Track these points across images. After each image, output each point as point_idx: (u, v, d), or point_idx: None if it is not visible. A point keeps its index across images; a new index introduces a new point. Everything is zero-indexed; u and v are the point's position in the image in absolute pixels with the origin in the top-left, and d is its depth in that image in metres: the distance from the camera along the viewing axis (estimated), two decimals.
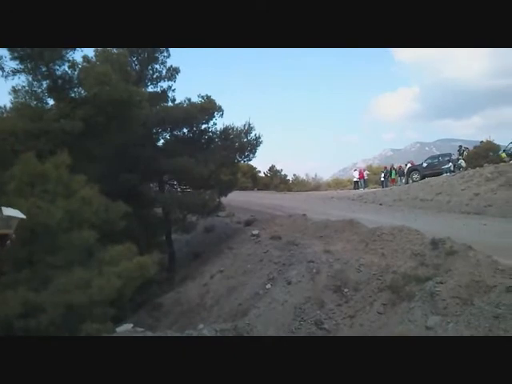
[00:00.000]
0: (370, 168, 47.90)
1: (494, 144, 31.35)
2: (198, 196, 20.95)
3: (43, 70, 16.53)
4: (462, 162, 29.47)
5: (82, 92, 16.72)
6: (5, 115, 17.41)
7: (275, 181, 45.14)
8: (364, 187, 36.28)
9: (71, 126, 14.82)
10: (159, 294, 17.81)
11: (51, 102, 17.51)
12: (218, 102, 21.29)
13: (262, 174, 46.90)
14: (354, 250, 14.13)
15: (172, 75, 22.77)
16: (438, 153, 43.68)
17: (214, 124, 21.79)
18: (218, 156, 20.83)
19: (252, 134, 22.01)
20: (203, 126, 21.85)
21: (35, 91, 17.03)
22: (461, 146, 33.35)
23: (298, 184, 45.38)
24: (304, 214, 20.53)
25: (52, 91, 17.00)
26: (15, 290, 10.21)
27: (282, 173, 47.05)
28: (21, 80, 16.99)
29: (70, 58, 16.50)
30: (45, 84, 17.01)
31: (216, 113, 21.26)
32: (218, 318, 14.10)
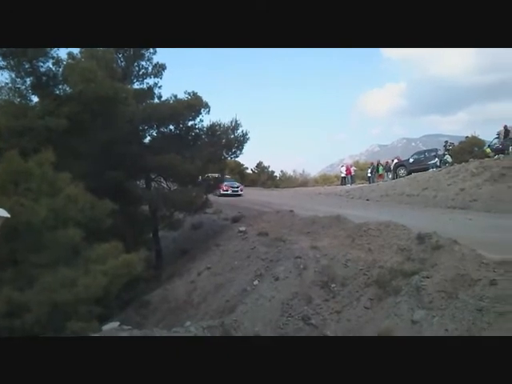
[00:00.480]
0: (357, 164, 48.11)
1: (479, 139, 31.66)
2: (185, 193, 20.87)
3: (26, 66, 16.34)
4: (448, 158, 29.69)
5: (67, 89, 16.55)
6: None
7: (263, 177, 45.15)
8: (351, 183, 36.41)
9: (56, 124, 14.66)
10: (146, 291, 17.73)
11: (35, 99, 17.32)
12: (205, 98, 21.21)
13: (249, 171, 46.88)
14: (341, 246, 14.17)
15: (158, 72, 22.64)
16: (425, 148, 43.95)
17: (201, 121, 21.70)
18: (204, 153, 20.75)
19: (239, 131, 21.96)
20: (190, 123, 21.74)
21: (19, 88, 16.82)
22: (447, 142, 33.62)
23: (286, 180, 45.44)
24: (291, 210, 20.55)
25: (36, 88, 16.81)
26: None
27: (270, 169, 47.09)
28: (4, 77, 16.80)
29: (55, 55, 16.35)
30: (28, 81, 16.82)
31: (203, 109, 21.16)
32: (205, 314, 14.08)
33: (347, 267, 12.83)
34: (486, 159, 25.53)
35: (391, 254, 12.74)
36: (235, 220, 21.56)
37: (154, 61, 22.45)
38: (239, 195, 32.57)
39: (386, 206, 22.92)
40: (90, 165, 16.53)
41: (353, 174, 37.66)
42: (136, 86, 22.33)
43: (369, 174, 36.29)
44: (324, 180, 47.42)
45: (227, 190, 31.72)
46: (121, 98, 16.82)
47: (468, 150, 29.80)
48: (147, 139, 22.42)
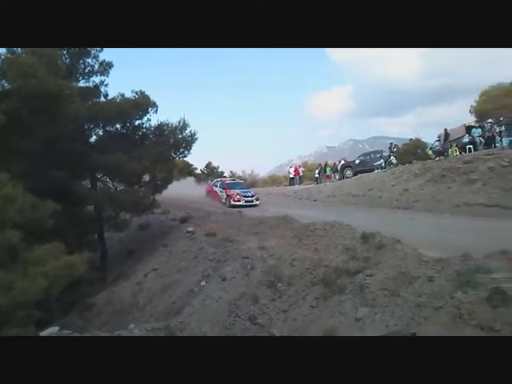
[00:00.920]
0: (305, 165, 48.65)
1: (422, 142, 32.68)
2: (132, 193, 20.48)
3: None
4: (393, 159, 30.51)
5: (6, 84, 15.86)
6: None
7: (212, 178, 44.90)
8: (299, 183, 36.80)
9: None
10: (91, 293, 17.25)
11: None
12: (153, 98, 20.90)
13: (198, 171, 46.56)
14: (288, 246, 14.30)
15: (105, 70, 22.02)
16: (371, 150, 45.04)
17: (148, 120, 21.36)
18: (152, 152, 20.44)
19: (187, 131, 21.78)
20: (137, 122, 21.35)
21: None
22: (392, 144, 34.51)
23: None
24: (239, 211, 20.56)
25: None
26: None
27: (219, 170, 46.94)
28: None
29: None
30: None
31: (150, 108, 20.85)
32: (150, 317, 13.87)
33: (294, 267, 12.95)
34: (428, 161, 26.44)
35: (337, 253, 12.96)
36: (183, 220, 21.36)
37: (101, 58, 21.88)
38: (254, 206, 24.81)
39: (332, 206, 23.34)
40: (32, 163, 15.91)
41: (301, 174, 38.08)
42: (82, 83, 21.65)
43: (316, 175, 36.81)
44: (273, 180, 47.73)
45: (239, 201, 24.84)
46: (65, 95, 16.25)
47: (412, 151, 30.71)
48: (93, 138, 21.81)
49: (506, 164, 20.34)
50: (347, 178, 32.01)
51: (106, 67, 22.00)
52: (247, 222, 18.28)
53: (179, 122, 21.65)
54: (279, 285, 12.47)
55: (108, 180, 22.23)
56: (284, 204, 24.75)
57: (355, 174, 31.61)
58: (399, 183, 24.21)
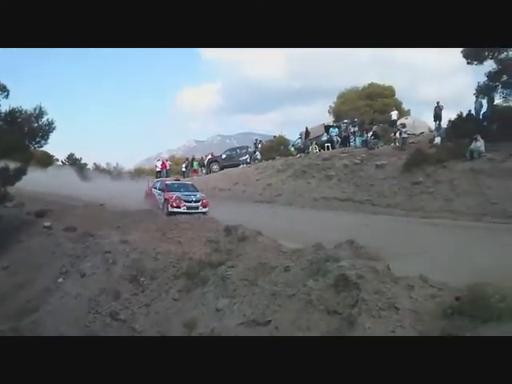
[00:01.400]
0: (173, 158, 48.30)
1: (285, 139, 34.13)
2: None
3: None
4: (258, 155, 31.46)
5: None
6: None
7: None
8: (165, 177, 36.41)
9: None
10: None
11: None
12: (3, 81, 19.17)
13: (60, 163, 43.85)
14: (152, 239, 14.13)
15: None
16: (239, 145, 45.97)
17: None
18: (3, 141, 18.77)
19: (44, 119, 20.29)
20: None
21: None
22: (257, 140, 35.60)
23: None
24: (102, 204, 19.82)
25: None
26: None
27: (82, 161, 44.65)
28: None
29: None
30: None
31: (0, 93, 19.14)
32: (0, 318, 12.80)
33: (157, 260, 12.83)
34: (290, 157, 27.75)
35: (200, 246, 13.09)
36: (40, 215, 20.00)
37: None
38: (202, 213, 18.49)
39: None
40: None
41: (168, 168, 37.71)
42: None
43: (183, 169, 36.71)
44: (139, 174, 46.66)
45: (178, 207, 18.49)
46: None
47: (275, 148, 31.88)
48: None
49: (358, 161, 22.08)
50: (214, 172, 32.38)
51: None
52: (110, 215, 17.71)
53: (35, 109, 20.13)
54: (142, 279, 12.27)
55: None
56: None
57: (222, 168, 32.08)
58: (263, 178, 25.12)
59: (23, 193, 23.08)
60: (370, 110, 35.41)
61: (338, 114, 36.14)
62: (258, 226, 12.98)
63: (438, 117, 23.93)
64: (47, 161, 39.70)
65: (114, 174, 40.28)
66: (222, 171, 30.74)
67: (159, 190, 20.33)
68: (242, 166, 30.90)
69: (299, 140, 30.23)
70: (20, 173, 20.43)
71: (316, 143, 28.06)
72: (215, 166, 33.27)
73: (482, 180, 17.16)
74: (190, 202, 18.67)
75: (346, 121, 30.54)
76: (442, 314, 4.96)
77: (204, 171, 34.49)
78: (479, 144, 18.54)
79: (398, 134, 23.70)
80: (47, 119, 20.30)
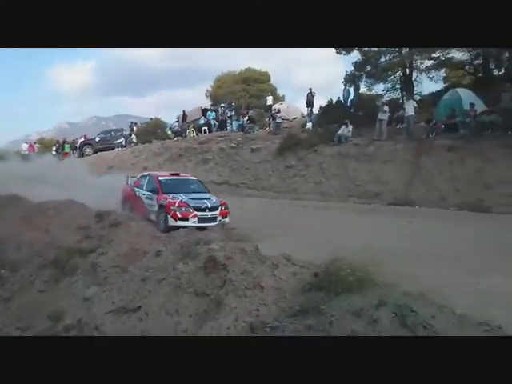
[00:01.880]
0: (42, 141, 45.38)
1: (162, 121, 33.66)
2: None
3: None
4: (134, 138, 30.65)
5: None
6: None
7: None
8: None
9: None
10: None
11: None
12: None
13: None
14: (15, 228, 13.13)
15: None
16: (114, 127, 44.41)
17: None
18: None
19: None
20: None
21: None
22: (132, 122, 34.66)
23: None
24: None
25: None
26: None
27: None
28: None
29: None
30: None
31: None
32: None
33: (20, 250, 11.98)
34: (167, 140, 27.44)
35: (70, 233, 12.45)
36: None
37: None
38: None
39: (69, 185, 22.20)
40: None
41: (36, 150, 35.32)
42: None
43: (54, 152, 34.63)
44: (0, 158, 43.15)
45: (186, 218, 12.44)
46: None
47: (152, 131, 31.33)
48: None
49: (234, 145, 22.54)
50: (87, 155, 30.99)
51: None
52: None
53: None
54: (2, 271, 11.39)
55: None
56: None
57: (95, 151, 30.81)
58: (139, 162, 24.62)
59: None
60: (246, 94, 36.08)
61: (215, 97, 36.37)
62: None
63: (310, 103, 25.09)
64: None
65: None
66: (96, 154, 29.48)
67: (149, 191, 13.79)
68: (116, 149, 29.90)
69: (176, 123, 29.97)
70: None
71: (193, 126, 28.07)
72: (88, 149, 31.84)
73: (348, 163, 18.39)
74: (204, 209, 12.51)
75: (223, 104, 30.88)
76: (301, 290, 5.22)
77: (76, 154, 32.86)
78: (348, 130, 19.90)
79: (272, 119, 24.42)
80: None
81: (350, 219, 13.51)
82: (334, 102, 24.44)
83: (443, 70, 24.14)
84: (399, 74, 23.95)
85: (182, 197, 12.82)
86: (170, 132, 29.47)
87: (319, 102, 27.26)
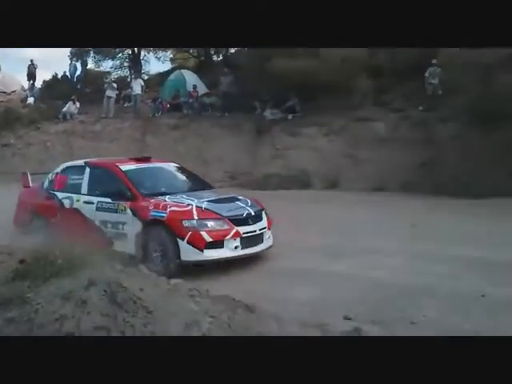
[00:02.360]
0: None
1: None
2: None
3: None
4: None
5: None
6: None
7: None
8: None
9: None
10: None
11: None
12: None
13: None
14: None
15: None
16: None
17: None
18: None
19: None
20: None
21: None
22: None
23: None
24: None
25: None
26: None
27: None
28: None
29: None
30: None
31: None
32: None
33: None
34: None
35: None
36: None
37: None
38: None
39: None
40: None
41: None
42: None
43: None
44: None
45: (220, 243, 6.71)
46: None
47: None
48: None
49: None
50: None
51: None
52: None
53: None
54: None
55: None
56: None
57: None
58: None
59: None
60: None
61: None
62: None
63: (31, 76, 22.98)
64: None
65: None
66: None
67: (105, 195, 7.46)
68: None
69: None
70: None
71: None
72: None
73: (73, 142, 17.88)
74: (247, 221, 7.08)
75: None
76: (4, 280, 4.62)
77: None
78: (76, 106, 19.27)
79: None
80: None
81: None
82: (59, 76, 23.31)
83: (170, 51, 24.66)
84: (127, 52, 23.76)
85: (192, 199, 7.08)
86: None
87: (43, 75, 26.42)
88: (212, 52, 23.05)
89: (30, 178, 9.22)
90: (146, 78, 22.60)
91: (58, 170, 8.61)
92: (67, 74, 22.88)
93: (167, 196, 7.20)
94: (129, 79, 22.66)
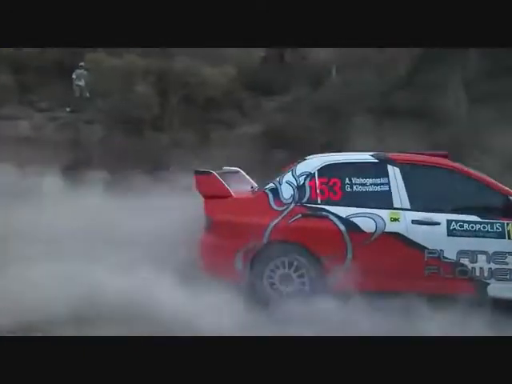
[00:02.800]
0: None
1: None
2: None
3: None
4: None
5: None
6: None
7: None
8: None
9: None
10: None
11: None
12: None
13: None
14: None
15: None
16: None
17: None
18: None
19: None
20: None
21: None
22: None
23: None
24: None
25: None
26: None
27: None
28: None
29: None
30: None
31: None
32: None
33: None
34: None
35: None
36: None
37: None
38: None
39: None
40: None
41: None
42: None
43: None
44: None
45: None
46: None
47: None
48: None
49: None
50: None
51: None
52: None
53: None
54: None
55: None
56: None
57: None
58: None
59: None
60: None
61: None
62: None
63: None
64: None
65: None
66: None
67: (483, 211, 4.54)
68: None
69: None
70: None
71: None
72: None
73: None
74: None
75: None
76: None
77: None
78: None
79: None
80: None
81: None
82: None
83: None
84: None
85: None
86: None
87: None
88: None
89: (229, 180, 5.28)
90: None
91: (309, 169, 4.96)
92: None
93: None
94: None
